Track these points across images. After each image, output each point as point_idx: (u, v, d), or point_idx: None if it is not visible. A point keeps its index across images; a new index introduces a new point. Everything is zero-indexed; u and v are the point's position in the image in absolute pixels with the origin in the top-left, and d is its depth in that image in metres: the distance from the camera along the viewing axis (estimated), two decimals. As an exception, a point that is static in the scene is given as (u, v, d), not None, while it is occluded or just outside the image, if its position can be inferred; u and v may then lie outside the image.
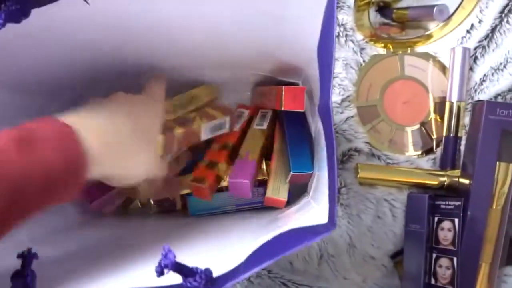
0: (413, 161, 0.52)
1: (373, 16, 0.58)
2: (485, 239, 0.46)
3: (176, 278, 0.23)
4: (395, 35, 0.56)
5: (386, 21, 0.59)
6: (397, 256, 0.51)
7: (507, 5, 0.49)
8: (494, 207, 0.47)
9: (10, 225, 0.24)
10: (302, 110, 0.41)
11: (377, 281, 0.50)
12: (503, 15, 0.49)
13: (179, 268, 0.22)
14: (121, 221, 0.47)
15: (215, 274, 0.24)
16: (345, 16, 0.52)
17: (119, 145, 0.31)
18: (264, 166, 0.47)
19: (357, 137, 0.52)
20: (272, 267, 0.47)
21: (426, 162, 0.52)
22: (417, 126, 0.54)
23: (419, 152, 0.53)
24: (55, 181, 0.25)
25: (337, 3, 0.53)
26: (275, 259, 0.25)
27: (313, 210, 0.36)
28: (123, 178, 0.32)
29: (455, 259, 0.46)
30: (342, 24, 0.52)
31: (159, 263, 0.22)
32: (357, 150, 0.51)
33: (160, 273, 0.22)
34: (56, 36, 0.29)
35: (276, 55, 0.39)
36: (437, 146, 0.53)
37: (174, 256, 0.22)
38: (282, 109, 0.41)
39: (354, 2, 0.52)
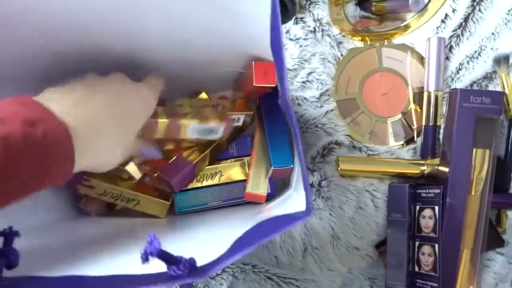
0: (394, 152, 0.52)
1: (353, 9, 0.59)
2: (465, 225, 0.47)
3: (161, 267, 0.24)
4: (374, 27, 0.57)
5: (365, 14, 0.60)
6: (381, 245, 0.52)
7: (478, -7, 0.49)
8: (472, 193, 0.47)
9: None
10: (274, 85, 0.42)
11: (362, 271, 0.51)
12: (475, 3, 0.50)
13: (164, 256, 0.23)
14: (108, 219, 0.48)
15: (199, 264, 0.24)
16: (320, 11, 0.53)
17: (97, 123, 0.31)
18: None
19: (337, 130, 0.52)
20: (257, 262, 0.47)
21: (406, 152, 0.53)
22: (397, 117, 0.54)
23: (400, 143, 0.54)
24: (41, 154, 0.26)
25: (312, -1, 0.53)
26: (256, 244, 0.26)
27: (293, 201, 0.37)
28: (100, 161, 0.33)
29: (436, 246, 0.47)
30: (318, 19, 0.53)
31: (145, 250, 0.22)
32: (338, 143, 0.52)
33: (145, 260, 0.22)
34: (36, 27, 0.30)
35: (245, 51, 0.40)
36: (418, 135, 0.53)
37: (159, 244, 0.23)
38: (254, 84, 0.41)
39: (328, -3, 0.53)
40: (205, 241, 0.35)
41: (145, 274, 0.24)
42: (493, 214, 0.51)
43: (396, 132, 0.54)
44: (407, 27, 0.56)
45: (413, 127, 0.54)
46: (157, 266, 0.24)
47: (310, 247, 0.48)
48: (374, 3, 0.58)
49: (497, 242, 0.50)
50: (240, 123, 0.48)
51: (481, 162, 0.47)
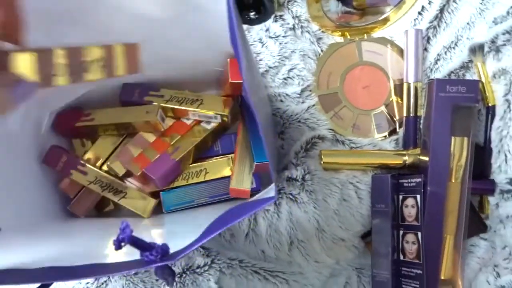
0: (376, 144, 0.53)
1: (335, 5, 0.60)
2: (447, 212, 0.48)
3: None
4: (355, 22, 0.58)
5: (347, 9, 0.60)
6: (367, 236, 0.53)
7: (452, -16, 0.50)
8: (453, 181, 0.48)
9: None
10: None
11: (350, 262, 0.52)
12: (449, -6, 0.50)
13: (136, 242, 0.24)
14: (96, 219, 0.49)
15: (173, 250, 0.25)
16: (298, 8, 0.54)
17: None
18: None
19: (320, 125, 0.53)
20: (244, 257, 0.48)
21: (389, 144, 0.54)
22: (379, 109, 0.55)
23: (383, 135, 0.55)
24: None
25: (290, -4, 0.54)
26: (223, 228, 0.27)
27: (270, 189, 0.38)
28: None
29: (419, 233, 0.48)
30: (297, 16, 0.54)
31: (117, 237, 0.23)
32: (321, 138, 0.53)
33: (118, 246, 0.23)
34: None
35: (222, 49, 0.41)
36: (400, 127, 0.54)
37: (131, 231, 0.24)
38: (230, 81, 0.42)
39: (305, -6, 0.53)
40: (182, 232, 0.36)
41: (121, 262, 0.25)
42: (475, 201, 0.52)
43: (378, 124, 0.55)
44: (386, 20, 0.56)
45: (395, 119, 0.55)
46: (135, 254, 0.25)
47: (296, 240, 0.49)
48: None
49: (480, 228, 0.51)
50: (215, 122, 0.49)
51: (460, 150, 0.48)
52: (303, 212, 0.49)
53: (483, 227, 0.51)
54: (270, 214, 0.49)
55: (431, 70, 0.53)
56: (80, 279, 0.23)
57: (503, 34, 0.47)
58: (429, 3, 0.52)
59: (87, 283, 0.45)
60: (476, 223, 0.51)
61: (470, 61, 0.50)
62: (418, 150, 0.51)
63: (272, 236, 0.49)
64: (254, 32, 0.54)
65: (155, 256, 0.23)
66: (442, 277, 0.48)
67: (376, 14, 0.58)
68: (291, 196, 0.49)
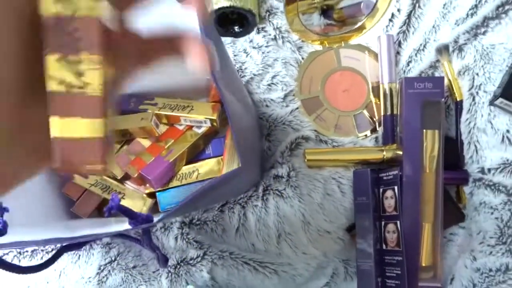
0: (357, 142, 0.57)
1: (317, 19, 0.65)
2: (424, 201, 0.51)
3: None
4: (335, 32, 0.63)
5: (329, 22, 0.66)
6: (353, 229, 0.56)
7: (416, -8, 0.55)
8: (427, 171, 0.51)
9: None
10: None
11: (336, 254, 0.55)
12: (415, 1, 0.55)
13: (124, 210, 0.28)
14: (98, 219, 0.53)
15: None
16: (279, 20, 0.59)
17: None
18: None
19: (304, 126, 0.57)
20: (234, 249, 0.52)
21: (369, 142, 0.57)
22: (359, 110, 0.59)
23: (364, 134, 0.58)
24: None
25: (271, 9, 0.59)
26: (192, 197, 0.30)
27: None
28: None
29: (398, 222, 0.51)
30: (277, 28, 0.59)
31: (108, 206, 0.27)
32: (305, 138, 0.57)
33: (108, 213, 0.27)
34: None
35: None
36: (379, 125, 0.58)
37: (119, 200, 0.28)
38: (214, 86, 0.46)
39: (284, 9, 0.58)
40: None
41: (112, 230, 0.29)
42: (452, 192, 0.55)
43: (359, 124, 0.59)
44: (362, 28, 0.61)
45: (374, 118, 0.59)
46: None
47: (284, 233, 0.52)
48: (335, 11, 0.64)
49: (458, 217, 0.54)
50: (206, 126, 0.54)
51: (431, 142, 0.51)
52: (289, 207, 0.52)
53: (461, 216, 0.54)
54: (258, 209, 0.52)
55: (404, 71, 0.57)
56: (78, 240, 0.27)
57: (464, 34, 0.51)
58: (398, 10, 0.57)
59: (90, 277, 0.49)
60: (454, 213, 0.54)
61: (438, 61, 0.54)
62: (394, 146, 0.55)
63: (261, 230, 0.52)
64: (239, 44, 0.59)
65: (140, 222, 0.27)
66: (423, 264, 0.51)
67: (353, 24, 0.63)
68: (277, 192, 0.53)
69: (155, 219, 0.28)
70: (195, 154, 0.55)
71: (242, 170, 0.31)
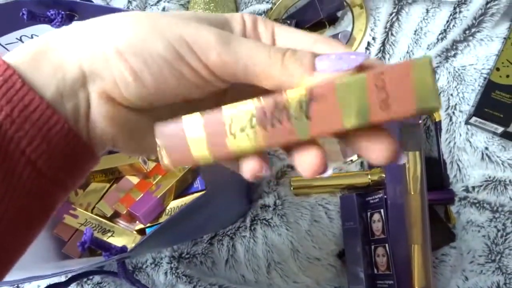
0: (342, 168, 0.58)
1: None
2: (411, 222, 0.51)
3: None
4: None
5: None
6: (343, 255, 0.55)
7: (387, 21, 0.57)
8: (412, 193, 0.52)
9: None
10: None
11: (329, 282, 0.54)
12: (387, 29, 0.57)
13: (98, 243, 0.28)
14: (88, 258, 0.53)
15: None
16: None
17: None
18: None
19: (289, 155, 0.58)
20: (224, 281, 0.51)
21: (355, 167, 0.58)
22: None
23: (350, 159, 0.59)
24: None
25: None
26: (163, 223, 0.31)
27: None
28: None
29: (387, 245, 0.51)
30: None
31: (81, 240, 0.28)
32: (290, 166, 0.57)
33: (82, 248, 0.28)
34: None
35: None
36: (364, 150, 0.59)
37: (92, 234, 0.28)
38: None
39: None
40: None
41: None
42: (441, 212, 0.55)
43: (344, 150, 0.60)
44: (341, 58, 0.63)
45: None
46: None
47: (273, 263, 0.52)
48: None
49: (449, 237, 0.54)
50: None
51: (414, 164, 0.52)
52: (277, 235, 0.53)
53: (451, 236, 0.54)
54: (246, 239, 0.53)
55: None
56: (50, 277, 0.28)
57: (435, 57, 0.53)
58: (373, 38, 0.59)
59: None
60: (445, 233, 0.54)
61: (414, 84, 0.56)
62: (379, 170, 0.55)
63: (250, 260, 0.52)
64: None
65: (114, 254, 0.28)
66: (416, 287, 0.51)
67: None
68: (265, 221, 0.53)
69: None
70: (183, 188, 0.56)
71: (208, 198, 0.32)
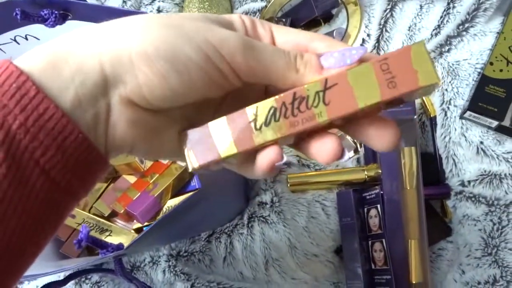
0: (339, 164, 0.58)
1: None
2: (407, 217, 0.51)
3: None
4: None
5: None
6: (341, 251, 0.56)
7: (381, 17, 0.58)
8: (408, 188, 0.52)
9: None
10: None
11: (328, 278, 0.54)
12: (381, 26, 0.58)
13: (93, 240, 0.28)
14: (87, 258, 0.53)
15: None
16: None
17: None
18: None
19: (286, 152, 0.59)
20: (222, 279, 0.52)
21: (351, 163, 0.58)
22: (340, 133, 0.61)
23: (348, 157, 0.59)
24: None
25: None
26: (159, 220, 0.31)
27: None
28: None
29: (384, 240, 0.51)
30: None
31: (78, 238, 0.28)
32: (287, 164, 0.58)
33: (78, 246, 0.28)
34: None
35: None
36: (361, 147, 0.59)
37: (88, 231, 0.29)
38: None
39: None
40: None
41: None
42: (438, 207, 0.55)
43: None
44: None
45: (356, 140, 0.60)
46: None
47: (271, 259, 0.52)
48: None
49: (445, 231, 0.54)
50: None
51: (409, 159, 0.52)
52: (275, 232, 0.53)
53: (448, 230, 0.54)
54: (244, 236, 0.53)
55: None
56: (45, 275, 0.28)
57: (430, 53, 0.53)
58: (368, 35, 0.59)
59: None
60: (441, 228, 0.54)
61: (409, 80, 0.56)
62: (375, 165, 0.56)
63: (248, 257, 0.53)
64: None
65: (110, 251, 0.28)
66: (413, 281, 0.51)
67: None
68: (262, 218, 0.53)
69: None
70: (180, 187, 0.56)
71: (203, 196, 0.32)
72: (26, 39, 0.36)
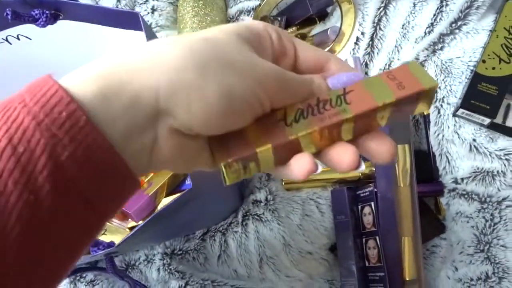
0: (333, 162, 0.58)
1: None
2: (401, 215, 0.52)
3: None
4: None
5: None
6: (336, 248, 0.56)
7: (375, 15, 0.58)
8: (401, 185, 0.52)
9: None
10: None
11: (322, 275, 0.55)
12: (375, 24, 0.58)
13: None
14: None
15: None
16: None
17: None
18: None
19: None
20: (216, 277, 0.52)
21: (345, 160, 0.58)
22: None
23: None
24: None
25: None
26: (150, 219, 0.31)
27: None
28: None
29: (377, 238, 0.51)
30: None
31: None
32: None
33: None
34: None
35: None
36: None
37: None
38: None
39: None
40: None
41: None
42: (431, 204, 0.55)
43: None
44: (332, 52, 0.64)
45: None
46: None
47: (265, 257, 0.53)
48: (308, 39, 0.67)
49: (439, 229, 0.54)
50: None
51: (403, 156, 0.53)
52: (269, 230, 0.53)
53: (441, 227, 0.54)
54: (238, 235, 0.53)
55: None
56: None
57: (423, 51, 0.54)
58: (362, 33, 0.60)
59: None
60: (435, 225, 0.55)
61: (402, 78, 0.56)
62: (369, 163, 0.56)
63: (243, 255, 0.53)
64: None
65: (101, 249, 0.28)
66: (407, 278, 0.51)
67: (324, 50, 0.65)
68: (256, 216, 0.54)
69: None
70: (175, 186, 0.57)
71: (195, 194, 0.32)
72: (18, 39, 0.36)
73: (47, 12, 0.32)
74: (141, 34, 0.30)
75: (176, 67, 0.20)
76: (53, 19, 0.32)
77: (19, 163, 0.17)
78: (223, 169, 0.22)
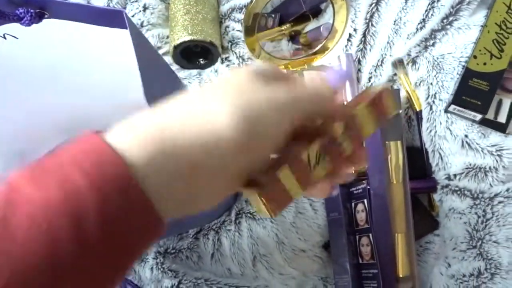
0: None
1: (286, 44, 0.68)
2: (394, 211, 0.52)
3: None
4: (302, 55, 0.65)
5: (297, 46, 0.68)
6: (329, 246, 0.56)
7: (368, 12, 0.57)
8: (394, 182, 0.52)
9: None
10: None
11: (316, 273, 0.55)
12: (367, 20, 0.57)
13: None
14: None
15: None
16: (241, 49, 0.61)
17: None
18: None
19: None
20: (209, 275, 0.52)
21: (339, 158, 0.58)
22: (328, 128, 0.61)
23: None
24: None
25: (233, 40, 0.62)
26: None
27: None
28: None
29: (370, 235, 0.51)
30: (240, 56, 0.61)
31: None
32: (275, 159, 0.58)
33: None
34: None
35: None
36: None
37: None
38: None
39: (244, 40, 0.61)
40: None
41: None
42: (425, 200, 0.55)
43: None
44: (325, 50, 0.64)
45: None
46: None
47: (259, 255, 0.53)
48: (302, 36, 0.67)
49: (432, 225, 0.54)
50: None
51: (396, 153, 0.52)
52: (262, 228, 0.53)
53: (435, 224, 0.54)
54: (232, 233, 0.53)
55: (366, 87, 0.59)
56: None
57: (415, 47, 0.54)
58: (355, 30, 0.59)
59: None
60: (428, 221, 0.55)
61: (395, 74, 0.56)
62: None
63: (236, 253, 0.53)
64: (205, 75, 0.61)
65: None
66: (400, 275, 0.51)
67: (317, 46, 0.65)
68: (249, 215, 0.53)
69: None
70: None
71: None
72: (5, 38, 0.36)
73: (31, 11, 0.32)
74: (126, 32, 0.30)
75: (222, 124, 0.23)
76: (38, 17, 0.32)
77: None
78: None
